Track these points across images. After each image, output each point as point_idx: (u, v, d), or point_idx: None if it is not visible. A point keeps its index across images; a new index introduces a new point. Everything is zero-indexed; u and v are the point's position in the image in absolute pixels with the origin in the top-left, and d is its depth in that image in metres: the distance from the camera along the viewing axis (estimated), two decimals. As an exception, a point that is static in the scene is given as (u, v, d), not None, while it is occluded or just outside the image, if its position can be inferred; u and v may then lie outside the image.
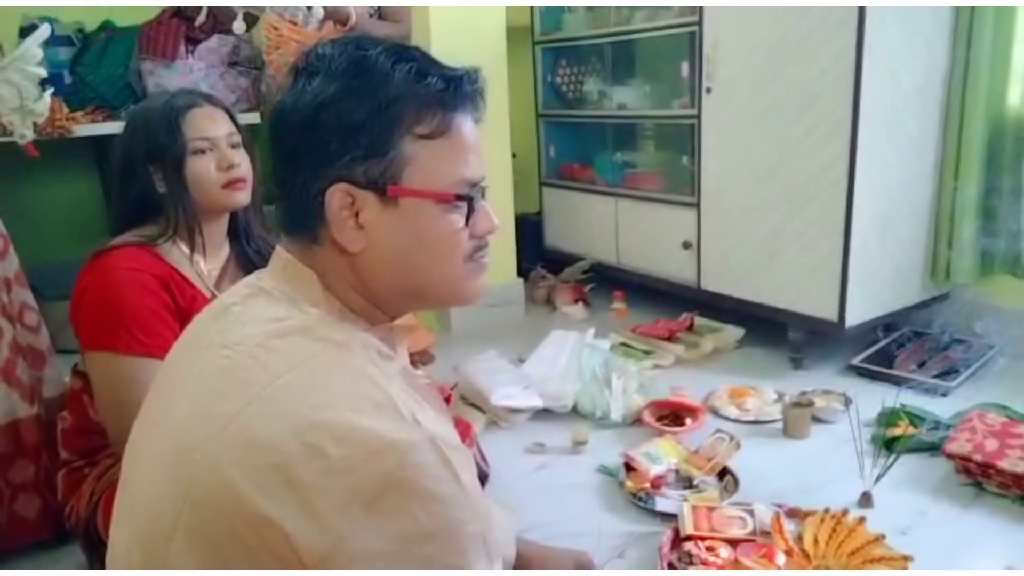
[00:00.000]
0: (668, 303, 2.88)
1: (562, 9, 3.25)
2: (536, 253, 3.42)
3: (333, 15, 2.16)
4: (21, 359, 1.56)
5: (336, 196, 0.72)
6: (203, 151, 1.35)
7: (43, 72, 1.83)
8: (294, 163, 0.75)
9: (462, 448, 0.71)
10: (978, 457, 1.64)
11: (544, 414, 2.13)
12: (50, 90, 2.08)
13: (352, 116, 0.71)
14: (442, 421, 0.74)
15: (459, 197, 0.75)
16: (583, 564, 1.32)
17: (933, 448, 1.78)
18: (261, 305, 0.75)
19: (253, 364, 0.68)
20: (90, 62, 2.72)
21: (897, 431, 1.83)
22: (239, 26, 2.33)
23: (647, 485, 1.70)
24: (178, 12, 2.73)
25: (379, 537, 0.63)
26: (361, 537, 0.62)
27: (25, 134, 2.06)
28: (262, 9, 2.31)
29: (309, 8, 2.20)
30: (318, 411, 0.64)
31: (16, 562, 1.56)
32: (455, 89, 0.75)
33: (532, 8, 3.29)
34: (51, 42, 2.70)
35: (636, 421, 2.06)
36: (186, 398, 0.72)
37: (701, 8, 2.48)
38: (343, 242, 0.73)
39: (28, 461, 1.57)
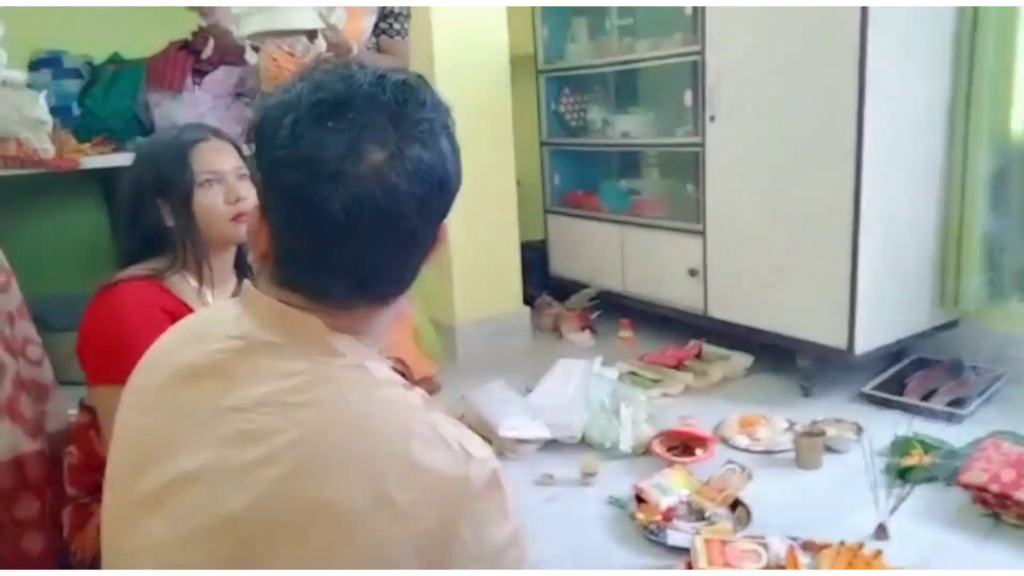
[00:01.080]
0: (675, 330, 2.87)
1: (565, 38, 3.28)
2: (542, 281, 3.42)
3: (335, 47, 2.17)
4: (24, 394, 1.55)
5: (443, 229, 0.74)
6: (211, 184, 1.35)
7: (20, 76, 1.76)
8: (436, 225, 0.73)
9: (503, 469, 0.70)
10: (995, 488, 1.62)
11: (552, 445, 2.11)
12: (42, 93, 2.03)
13: (459, 173, 0.74)
14: (484, 444, 0.71)
15: None
16: None
17: (948, 478, 1.76)
18: (263, 361, 0.68)
19: (283, 423, 0.64)
20: (98, 94, 2.74)
21: (911, 460, 1.81)
22: (251, 56, 2.34)
23: (658, 518, 1.67)
24: (185, 45, 2.76)
25: (424, 561, 0.63)
26: (410, 564, 0.62)
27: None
28: (263, 40, 2.32)
29: (312, 39, 2.21)
30: (373, 456, 0.63)
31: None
32: None
33: (535, 37, 3.32)
34: (60, 74, 2.73)
35: (646, 451, 2.04)
36: (202, 469, 0.66)
37: (703, 35, 2.49)
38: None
39: (33, 497, 1.55)
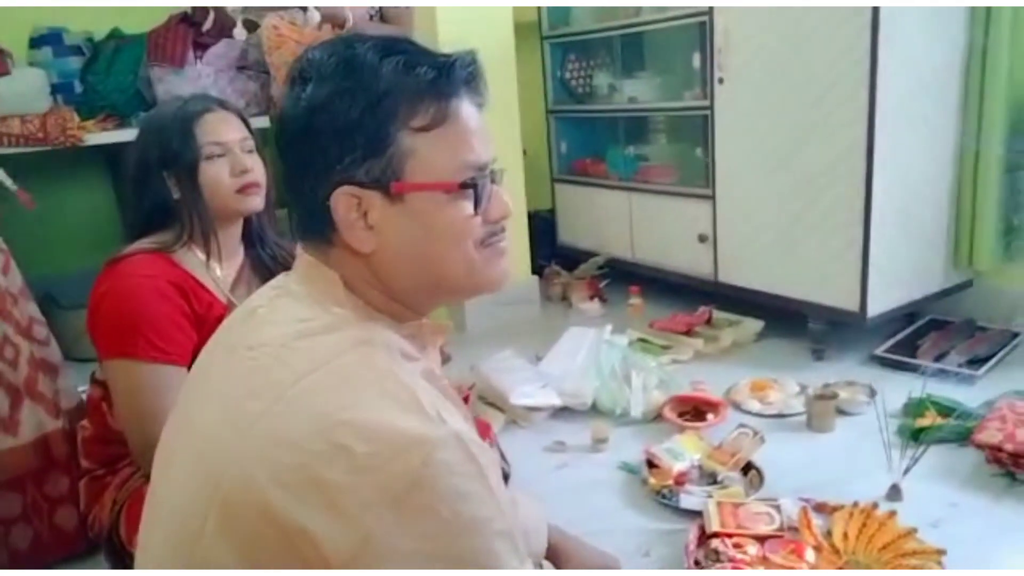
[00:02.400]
0: (685, 297, 2.85)
1: (569, 3, 3.22)
2: (550, 250, 3.41)
3: (330, 18, 2.16)
4: (41, 373, 1.56)
5: (342, 200, 0.72)
6: (217, 156, 1.34)
7: None
8: (299, 171, 0.75)
9: (486, 446, 0.70)
10: (1009, 447, 1.61)
11: (563, 412, 2.11)
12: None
13: (346, 117, 0.70)
14: (466, 420, 0.73)
15: (463, 185, 0.74)
16: (610, 567, 1.30)
17: (962, 438, 1.75)
18: (287, 306, 0.75)
19: (278, 364, 0.68)
20: (100, 70, 2.72)
21: (925, 421, 1.80)
22: (240, 32, 2.34)
23: (670, 482, 1.67)
24: (185, 18, 2.73)
25: (406, 536, 0.62)
26: (388, 536, 0.61)
27: (4, 181, 2.00)
28: (261, 14, 2.31)
29: (304, 10, 2.20)
30: (343, 410, 0.64)
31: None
32: (447, 76, 0.74)
33: (539, 3, 3.26)
34: (61, 52, 2.71)
35: (657, 417, 2.04)
36: (213, 400, 0.72)
37: None
38: (354, 244, 0.73)
39: (61, 473, 1.58)
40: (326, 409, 0.64)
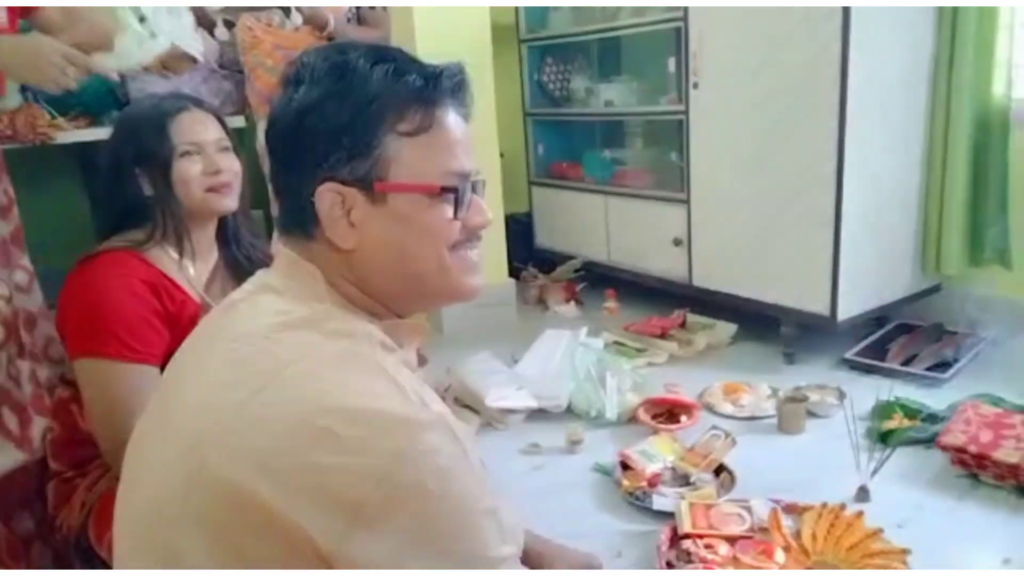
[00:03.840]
0: (660, 300, 2.88)
1: (547, 7, 3.24)
2: (527, 253, 3.41)
3: (311, 20, 2.16)
4: (46, 392, 1.52)
5: (326, 196, 0.75)
6: (190, 155, 1.33)
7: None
8: (286, 167, 0.78)
9: (468, 430, 0.72)
10: (973, 448, 1.64)
11: (539, 414, 2.12)
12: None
13: (335, 119, 0.74)
14: (444, 406, 0.74)
15: (444, 189, 0.76)
16: (593, 567, 1.31)
17: (928, 441, 1.78)
18: (267, 300, 0.77)
19: (261, 355, 0.70)
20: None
21: (892, 424, 1.83)
22: (221, 32, 2.33)
23: (643, 483, 1.69)
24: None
25: (395, 514, 0.63)
26: (376, 514, 0.62)
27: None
28: (239, 15, 2.31)
29: (286, 12, 2.20)
30: (327, 396, 0.66)
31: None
32: (434, 85, 0.77)
33: (516, 7, 3.28)
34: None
35: (631, 419, 2.05)
36: (194, 390, 0.73)
37: (686, 2, 2.47)
38: (336, 240, 0.76)
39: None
40: (310, 396, 0.66)
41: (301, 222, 0.77)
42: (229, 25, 2.45)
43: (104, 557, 1.26)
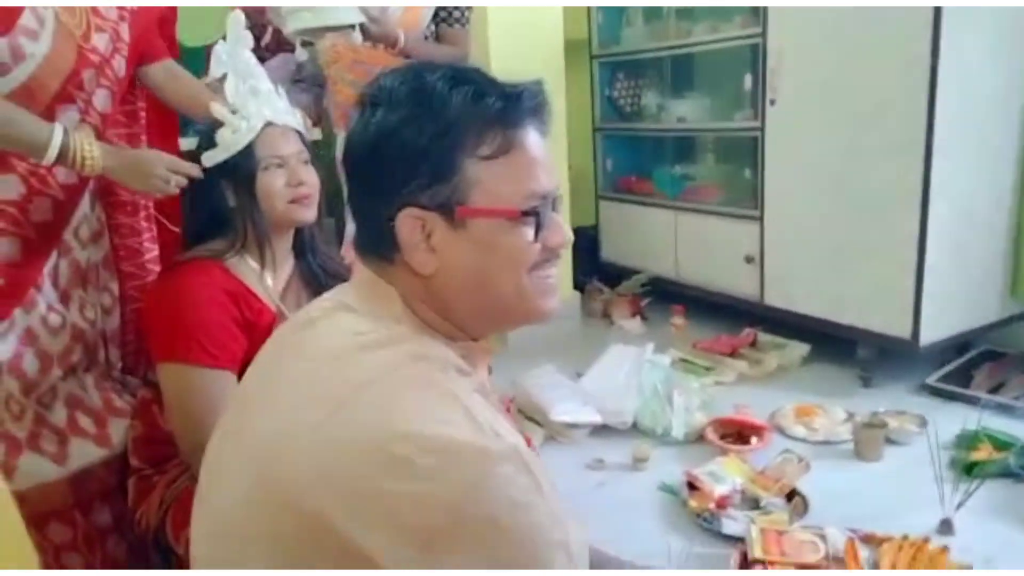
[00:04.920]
0: (729, 318, 2.82)
1: (621, 23, 3.23)
2: (592, 266, 3.40)
3: (379, 38, 2.21)
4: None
5: (407, 222, 0.74)
6: (274, 167, 1.37)
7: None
8: (364, 190, 0.78)
9: (539, 459, 0.71)
10: (1069, 484, 1.55)
11: (603, 430, 2.10)
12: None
13: (414, 143, 0.72)
14: (519, 435, 0.73)
15: (525, 212, 0.75)
16: None
17: (1019, 474, 1.69)
18: (344, 319, 0.76)
19: (336, 375, 0.69)
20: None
21: (980, 455, 1.74)
22: (301, 53, 2.42)
23: (711, 505, 1.65)
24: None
25: (465, 543, 0.62)
26: (445, 547, 0.62)
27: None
28: (318, 35, 2.38)
29: (361, 30, 2.25)
30: (402, 422, 0.65)
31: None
32: (514, 106, 0.75)
33: (590, 23, 3.28)
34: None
35: (698, 439, 2.01)
36: (267, 408, 0.73)
37: (766, 17, 2.43)
38: (416, 265, 0.75)
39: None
40: (385, 421, 0.65)
41: (379, 245, 0.76)
42: (307, 44, 2.53)
43: (180, 554, 1.29)
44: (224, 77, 1.41)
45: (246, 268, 1.38)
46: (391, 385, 0.68)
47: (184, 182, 1.39)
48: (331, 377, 0.69)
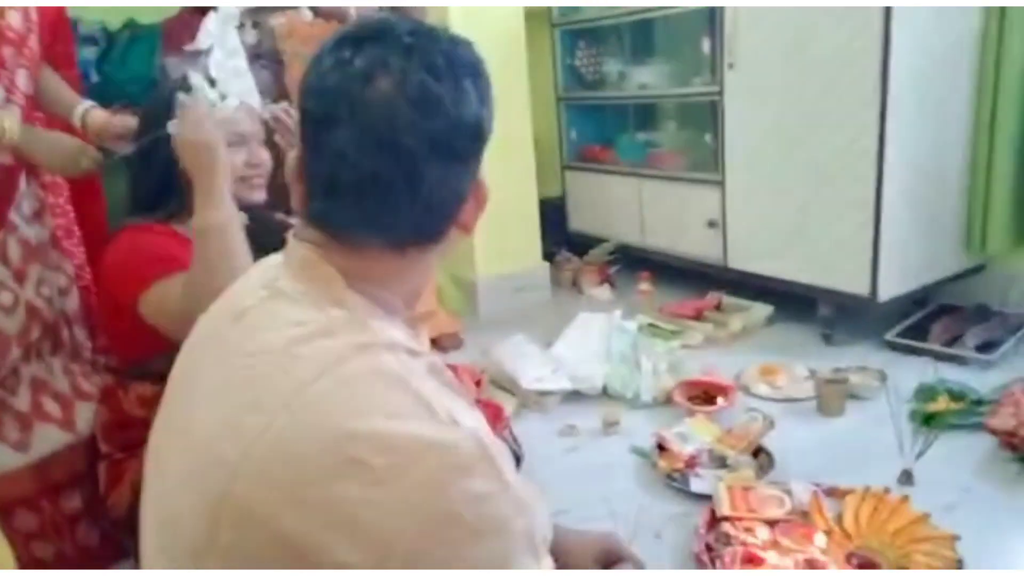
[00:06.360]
0: (694, 283, 2.86)
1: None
2: (560, 236, 3.41)
3: (329, 15, 2.19)
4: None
5: (478, 194, 0.76)
6: (234, 144, 1.36)
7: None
8: (451, 166, 0.72)
9: (499, 441, 0.69)
10: (1023, 431, 1.61)
11: (574, 396, 2.13)
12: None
13: (490, 122, 0.74)
14: (477, 416, 0.72)
15: None
16: (609, 546, 1.28)
17: (975, 423, 1.75)
18: (281, 308, 0.70)
19: (279, 373, 0.65)
20: (115, 60, 2.73)
21: (937, 407, 1.79)
22: (250, 35, 2.38)
23: (681, 465, 1.69)
24: (199, 8, 2.74)
25: (429, 542, 0.61)
26: (409, 551, 0.61)
27: None
28: (265, 16, 2.34)
29: (313, 10, 2.22)
30: (353, 420, 0.62)
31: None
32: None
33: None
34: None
35: (667, 401, 2.05)
36: (210, 409, 0.69)
37: (722, -18, 2.43)
38: (471, 229, 0.77)
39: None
40: (335, 420, 0.62)
41: (435, 224, 0.74)
42: (255, 25, 2.49)
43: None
44: (210, 50, 1.38)
45: (190, 233, 1.37)
46: (337, 380, 0.64)
47: (95, 166, 1.39)
48: (273, 375, 0.65)
